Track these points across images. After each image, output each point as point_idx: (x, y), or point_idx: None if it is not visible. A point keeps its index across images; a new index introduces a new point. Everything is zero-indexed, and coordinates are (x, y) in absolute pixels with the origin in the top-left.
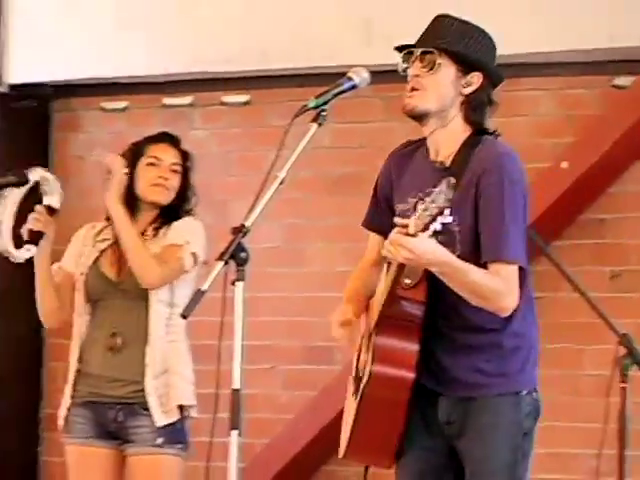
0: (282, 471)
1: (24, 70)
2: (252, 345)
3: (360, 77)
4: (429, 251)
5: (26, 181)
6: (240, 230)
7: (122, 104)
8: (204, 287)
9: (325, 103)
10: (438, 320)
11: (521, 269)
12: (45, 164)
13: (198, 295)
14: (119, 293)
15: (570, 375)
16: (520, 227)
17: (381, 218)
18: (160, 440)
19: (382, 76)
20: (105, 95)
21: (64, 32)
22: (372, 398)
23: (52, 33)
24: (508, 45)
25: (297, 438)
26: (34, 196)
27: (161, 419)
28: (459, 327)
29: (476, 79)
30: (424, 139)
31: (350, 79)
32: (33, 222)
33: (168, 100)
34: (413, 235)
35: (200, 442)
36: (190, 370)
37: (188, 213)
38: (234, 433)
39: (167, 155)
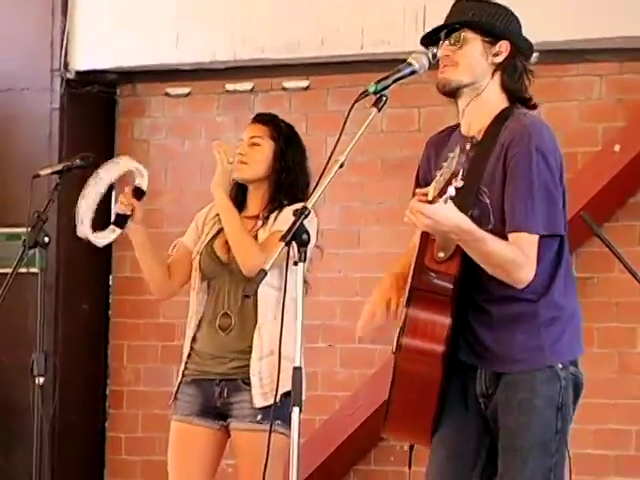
0: (340, 446)
1: (89, 57)
2: (310, 324)
3: (419, 63)
4: (446, 217)
5: (91, 164)
6: (302, 212)
7: (186, 90)
8: (266, 267)
9: (385, 88)
10: (474, 293)
11: (558, 238)
12: (110, 148)
13: (261, 275)
14: (228, 274)
15: (621, 353)
16: (552, 197)
17: None
18: (259, 416)
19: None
20: (169, 81)
21: (129, 19)
22: (404, 371)
23: (117, 20)
24: (560, 31)
25: (355, 415)
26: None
27: (259, 401)
28: (495, 299)
29: (504, 47)
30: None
31: (410, 65)
32: (118, 205)
33: (230, 86)
34: (431, 202)
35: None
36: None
37: (301, 195)
38: (295, 409)
39: (248, 132)
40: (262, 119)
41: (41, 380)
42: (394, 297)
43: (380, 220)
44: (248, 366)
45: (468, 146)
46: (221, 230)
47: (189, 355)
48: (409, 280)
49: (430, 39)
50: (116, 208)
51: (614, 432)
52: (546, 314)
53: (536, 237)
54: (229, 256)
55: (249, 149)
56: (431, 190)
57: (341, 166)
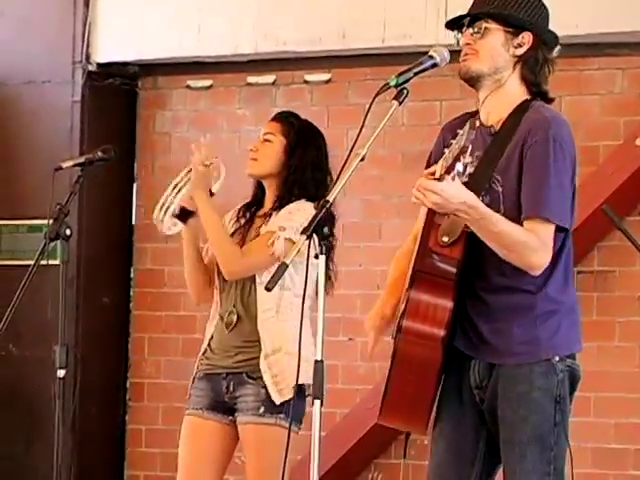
0: (361, 440)
1: (112, 49)
2: (331, 317)
3: (441, 56)
4: (456, 194)
5: (112, 157)
6: (323, 205)
7: (207, 82)
8: (287, 260)
9: (406, 81)
10: (475, 282)
11: (563, 231)
12: (132, 140)
13: (282, 268)
14: None
15: None
16: (564, 188)
17: None
18: (262, 410)
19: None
20: (190, 74)
21: (151, 11)
22: (404, 354)
23: (139, 12)
24: (582, 24)
25: (376, 408)
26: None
27: (277, 397)
28: (493, 288)
29: (527, 39)
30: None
31: (431, 57)
32: (185, 200)
33: (252, 79)
34: (439, 179)
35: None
36: (309, 349)
37: (313, 193)
38: (317, 402)
39: (264, 130)
40: (278, 116)
41: (62, 373)
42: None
43: (401, 213)
44: (253, 359)
45: (486, 135)
46: (236, 231)
47: (205, 351)
48: (411, 263)
49: (454, 24)
50: (182, 201)
51: (635, 426)
52: (543, 307)
53: (552, 226)
54: None
55: (260, 145)
56: (438, 168)
57: (362, 159)
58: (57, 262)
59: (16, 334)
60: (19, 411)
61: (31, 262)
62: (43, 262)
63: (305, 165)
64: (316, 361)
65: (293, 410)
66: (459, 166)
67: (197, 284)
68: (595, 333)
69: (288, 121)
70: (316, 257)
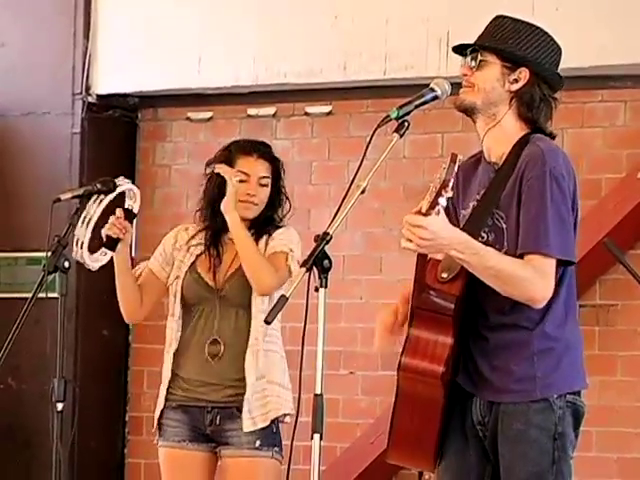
0: (362, 474)
1: (111, 81)
2: (332, 351)
3: (442, 88)
4: (442, 228)
5: (112, 189)
6: (324, 238)
7: (207, 114)
8: (287, 293)
9: (407, 114)
10: (477, 319)
11: (564, 265)
12: (131, 172)
13: (282, 301)
14: (218, 300)
15: None
16: (564, 221)
17: None
18: (258, 443)
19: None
20: (191, 106)
21: (151, 43)
22: (406, 391)
23: (139, 44)
24: (585, 57)
25: (376, 442)
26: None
27: (248, 425)
28: (494, 326)
29: (524, 75)
30: None
31: (432, 90)
32: (110, 227)
33: (252, 110)
34: (425, 214)
35: (283, 445)
36: (287, 378)
37: (279, 222)
38: (316, 437)
39: (255, 170)
40: (267, 155)
41: (60, 406)
42: (401, 308)
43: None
44: (243, 394)
45: (489, 171)
46: (200, 255)
47: (172, 380)
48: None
49: (460, 51)
50: (107, 231)
51: (638, 461)
52: (539, 344)
53: (552, 260)
54: (216, 282)
55: (260, 190)
56: (424, 203)
57: (363, 192)
58: (56, 295)
59: (14, 367)
60: (17, 444)
61: (29, 295)
62: (42, 295)
63: (281, 193)
64: (315, 395)
65: (276, 437)
66: (442, 201)
67: (132, 303)
68: (597, 367)
69: (272, 157)
70: (316, 290)
